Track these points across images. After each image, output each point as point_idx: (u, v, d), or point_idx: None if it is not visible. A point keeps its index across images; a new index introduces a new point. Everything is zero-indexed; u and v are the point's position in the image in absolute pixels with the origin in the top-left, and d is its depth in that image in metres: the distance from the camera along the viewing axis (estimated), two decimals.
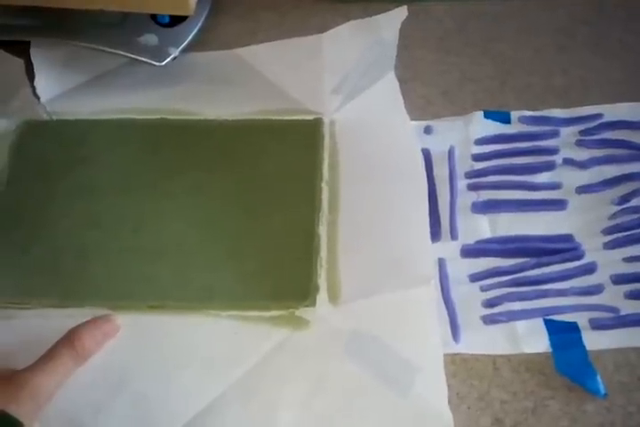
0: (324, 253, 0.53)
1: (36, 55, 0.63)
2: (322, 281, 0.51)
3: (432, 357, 0.47)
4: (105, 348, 0.48)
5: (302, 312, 0.50)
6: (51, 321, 0.49)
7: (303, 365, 0.47)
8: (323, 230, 0.54)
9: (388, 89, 0.61)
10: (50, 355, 0.45)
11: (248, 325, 0.49)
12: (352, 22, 0.66)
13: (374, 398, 0.46)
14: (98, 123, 0.62)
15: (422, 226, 0.52)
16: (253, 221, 0.55)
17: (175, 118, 0.62)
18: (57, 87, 0.63)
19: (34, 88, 0.62)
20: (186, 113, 0.62)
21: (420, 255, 0.51)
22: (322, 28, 0.67)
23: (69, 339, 0.46)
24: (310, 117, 0.61)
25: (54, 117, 0.62)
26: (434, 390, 0.45)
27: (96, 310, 0.49)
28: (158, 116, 0.62)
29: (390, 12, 0.65)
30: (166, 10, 0.61)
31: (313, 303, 0.50)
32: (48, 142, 0.61)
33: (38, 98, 0.62)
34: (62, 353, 0.45)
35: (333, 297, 0.50)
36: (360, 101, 0.61)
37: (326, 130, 0.60)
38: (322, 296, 0.50)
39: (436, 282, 0.51)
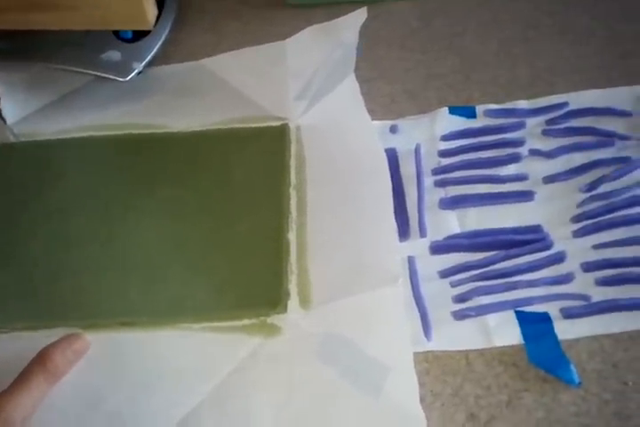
0: (293, 258, 0.52)
1: (0, 79, 0.63)
2: (292, 286, 0.51)
3: (402, 356, 0.46)
4: (78, 367, 0.48)
5: (274, 319, 0.49)
6: (25, 344, 0.49)
7: (277, 371, 0.47)
8: (292, 235, 0.54)
9: (349, 91, 0.61)
10: (23, 378, 0.45)
11: (221, 335, 0.49)
12: (313, 27, 0.66)
13: (347, 400, 0.45)
14: (65, 142, 0.62)
15: (388, 225, 0.52)
16: (222, 230, 0.55)
17: (142, 133, 0.62)
18: (23, 109, 0.64)
19: None
20: (153, 127, 0.63)
21: (387, 255, 0.51)
22: (285, 35, 0.68)
23: (41, 359, 0.46)
24: (276, 124, 0.61)
25: (22, 139, 0.62)
26: (405, 389, 0.45)
27: (69, 330, 0.49)
28: (125, 132, 0.62)
29: (350, 14, 0.65)
30: (125, 25, 0.62)
31: (284, 310, 0.50)
32: (16, 165, 0.61)
33: (4, 121, 0.63)
34: (35, 375, 0.45)
35: (304, 302, 0.50)
36: (323, 105, 0.61)
37: (292, 135, 0.60)
38: (293, 302, 0.50)
39: (405, 280, 0.51)
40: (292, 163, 0.58)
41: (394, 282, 0.49)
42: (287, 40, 0.66)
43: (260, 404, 0.46)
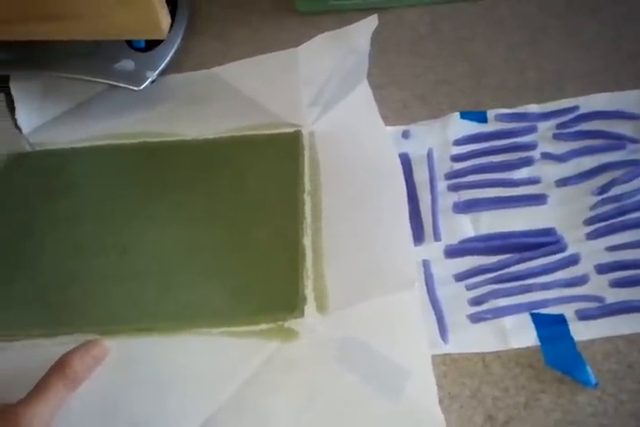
0: (309, 263, 0.53)
1: (15, 88, 0.64)
2: (309, 291, 0.52)
3: (420, 359, 0.47)
4: (97, 373, 0.48)
5: (291, 324, 0.50)
6: (42, 350, 0.49)
7: (295, 375, 0.47)
8: (307, 241, 0.54)
9: (362, 98, 0.62)
10: (42, 385, 0.45)
11: (239, 340, 0.50)
12: (325, 34, 0.67)
13: (367, 404, 0.46)
14: (80, 150, 0.63)
15: (403, 230, 0.53)
16: (238, 236, 0.56)
17: (156, 141, 0.63)
18: (38, 118, 0.65)
19: (15, 121, 0.63)
20: (167, 134, 0.63)
21: (403, 259, 0.51)
22: (295, 41, 0.68)
23: (60, 366, 0.46)
24: (290, 130, 0.62)
25: (37, 148, 0.63)
26: (424, 392, 0.46)
27: (86, 337, 0.50)
28: (139, 140, 0.63)
29: (361, 21, 0.66)
30: (139, 35, 0.62)
31: (301, 314, 0.50)
32: (31, 173, 0.62)
33: (20, 130, 0.64)
34: (54, 382, 0.45)
35: (321, 307, 0.51)
36: (337, 112, 0.62)
37: (306, 141, 0.61)
38: (309, 307, 0.51)
39: (421, 284, 0.52)
40: (306, 169, 0.59)
41: (410, 286, 0.50)
42: (299, 47, 0.67)
43: (279, 408, 0.46)
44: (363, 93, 0.62)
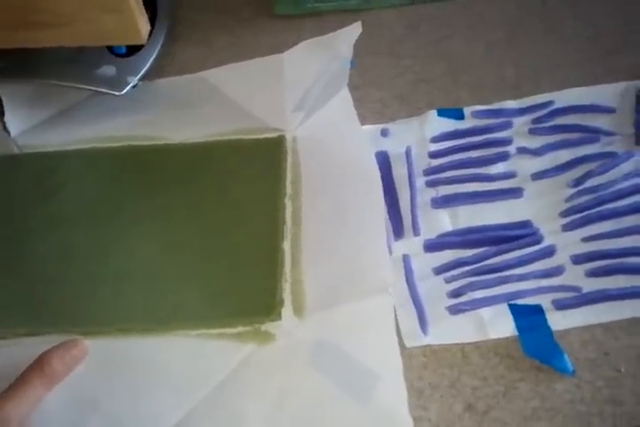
0: (287, 267, 0.53)
1: (4, 92, 0.64)
2: (286, 295, 0.52)
3: (391, 364, 0.47)
4: (76, 372, 0.49)
5: (268, 327, 0.50)
6: (25, 349, 0.50)
7: (269, 378, 0.48)
8: (286, 245, 0.55)
9: (342, 104, 0.63)
10: (20, 381, 0.46)
11: (216, 342, 0.50)
12: (309, 40, 0.67)
13: (338, 407, 0.46)
14: (66, 154, 0.64)
15: (379, 235, 0.53)
16: (220, 239, 0.56)
17: (141, 144, 0.64)
18: (26, 122, 0.66)
19: (4, 123, 0.64)
20: (152, 138, 0.64)
21: (379, 264, 0.52)
22: (275, 46, 0.69)
23: (39, 364, 0.47)
24: (273, 135, 0.63)
25: (25, 151, 0.64)
26: (394, 397, 0.46)
27: (67, 336, 0.50)
28: (125, 144, 0.64)
29: (346, 28, 0.67)
30: (119, 41, 0.63)
31: (278, 318, 0.50)
32: (19, 175, 0.63)
33: (8, 133, 0.65)
34: (32, 379, 0.46)
35: (298, 310, 0.51)
36: (319, 117, 0.63)
37: (289, 146, 0.61)
38: (287, 310, 0.51)
39: (401, 277, 0.53)
40: (289, 173, 0.60)
41: (385, 291, 0.51)
42: (284, 53, 0.68)
43: (252, 410, 0.46)
44: (343, 99, 0.63)
